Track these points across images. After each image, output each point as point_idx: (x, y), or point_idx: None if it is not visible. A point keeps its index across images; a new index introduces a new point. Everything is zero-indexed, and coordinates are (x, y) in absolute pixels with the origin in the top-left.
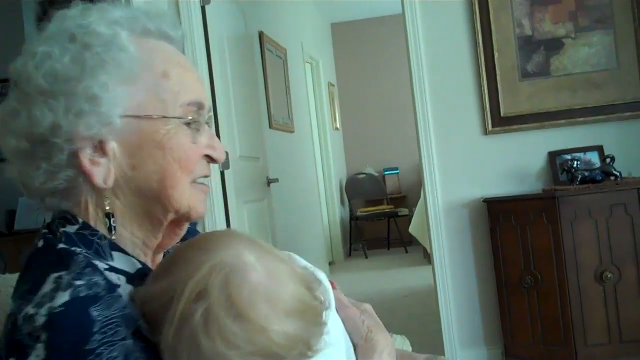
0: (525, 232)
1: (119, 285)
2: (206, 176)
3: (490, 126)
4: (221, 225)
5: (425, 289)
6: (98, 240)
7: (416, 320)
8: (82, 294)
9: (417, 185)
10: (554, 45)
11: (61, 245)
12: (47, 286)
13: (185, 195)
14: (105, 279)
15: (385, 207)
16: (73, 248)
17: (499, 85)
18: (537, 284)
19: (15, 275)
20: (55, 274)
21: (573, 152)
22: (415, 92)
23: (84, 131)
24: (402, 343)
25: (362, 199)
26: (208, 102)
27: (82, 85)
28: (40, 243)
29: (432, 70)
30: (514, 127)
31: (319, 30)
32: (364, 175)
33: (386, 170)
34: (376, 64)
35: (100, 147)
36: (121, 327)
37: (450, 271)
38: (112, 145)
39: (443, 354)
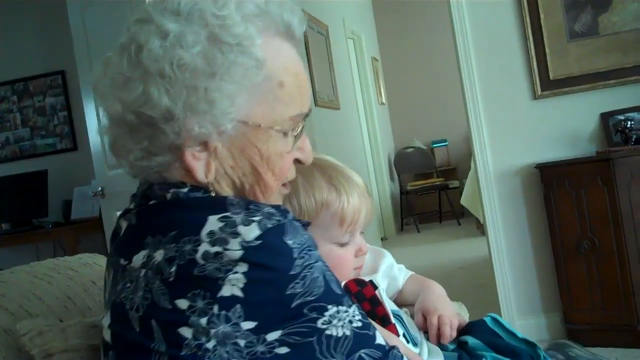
0: (580, 197)
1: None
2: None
3: (539, 90)
4: None
5: (480, 260)
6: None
7: (473, 291)
8: (269, 225)
9: (467, 156)
10: (602, 2)
11: (196, 193)
12: (212, 225)
13: (270, 199)
14: (272, 207)
15: (435, 180)
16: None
17: (546, 48)
18: (594, 249)
19: (74, 258)
20: (217, 215)
21: (626, 112)
22: (461, 60)
23: (196, 128)
24: (460, 309)
25: (412, 173)
26: (310, 107)
27: (206, 85)
28: (169, 196)
29: (477, 37)
30: (564, 89)
31: (360, 5)
32: (412, 149)
33: (434, 143)
34: (419, 36)
35: (203, 144)
36: (312, 249)
37: (504, 240)
38: (217, 145)
39: None
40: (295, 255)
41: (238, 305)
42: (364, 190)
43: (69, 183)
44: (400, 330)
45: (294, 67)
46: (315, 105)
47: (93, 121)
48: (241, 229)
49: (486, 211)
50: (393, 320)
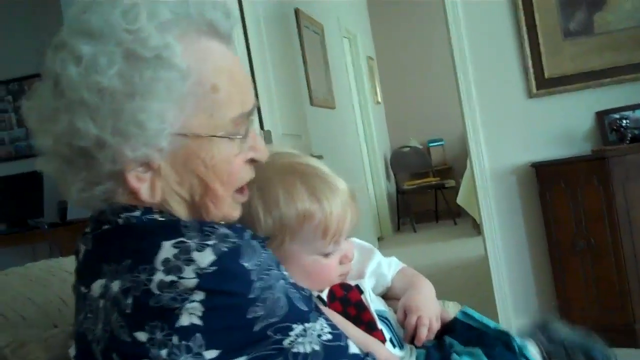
0: (576, 196)
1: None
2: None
3: (534, 89)
4: None
5: (476, 260)
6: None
7: (469, 290)
8: (224, 249)
9: (463, 155)
10: (597, 1)
11: (149, 216)
12: (166, 252)
13: (223, 208)
14: (228, 228)
15: (431, 180)
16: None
17: (541, 47)
18: (590, 248)
19: (69, 259)
20: (171, 241)
21: (621, 110)
22: (456, 59)
23: (130, 153)
24: (455, 310)
25: (408, 172)
26: (254, 101)
27: (130, 108)
28: (121, 221)
29: (472, 36)
30: (559, 88)
31: (355, 4)
32: (408, 149)
33: (431, 142)
34: (414, 35)
35: (144, 164)
36: (272, 269)
37: (500, 239)
38: (158, 164)
39: (497, 322)
40: (253, 277)
41: (198, 335)
42: (347, 197)
43: None
44: (387, 335)
45: (226, 65)
46: (311, 104)
47: None
48: (195, 255)
49: (482, 210)
50: (379, 325)
